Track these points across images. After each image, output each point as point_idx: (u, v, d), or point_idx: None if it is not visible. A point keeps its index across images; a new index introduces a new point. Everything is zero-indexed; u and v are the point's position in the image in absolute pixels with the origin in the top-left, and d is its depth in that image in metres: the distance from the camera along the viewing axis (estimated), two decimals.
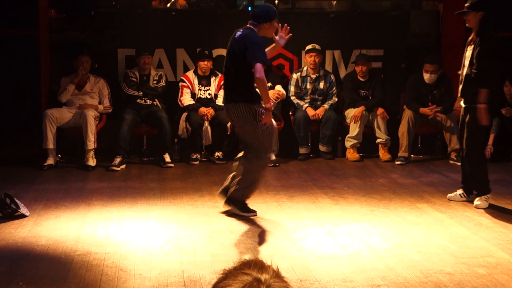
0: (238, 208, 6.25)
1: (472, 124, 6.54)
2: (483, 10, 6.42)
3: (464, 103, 6.66)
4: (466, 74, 6.55)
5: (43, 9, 8.71)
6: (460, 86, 6.67)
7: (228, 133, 8.76)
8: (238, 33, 6.15)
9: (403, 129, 8.80)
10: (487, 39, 6.41)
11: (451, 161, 8.77)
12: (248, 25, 6.16)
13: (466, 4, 6.52)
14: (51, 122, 8.26)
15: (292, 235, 5.76)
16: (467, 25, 6.61)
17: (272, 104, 6.26)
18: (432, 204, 6.78)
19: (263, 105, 6.05)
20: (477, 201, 6.61)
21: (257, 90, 6.09)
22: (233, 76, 6.14)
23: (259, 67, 5.94)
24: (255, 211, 6.30)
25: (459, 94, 6.73)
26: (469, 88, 6.54)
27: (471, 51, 6.51)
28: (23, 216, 6.20)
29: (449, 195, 6.93)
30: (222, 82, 8.94)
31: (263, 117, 6.04)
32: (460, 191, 6.87)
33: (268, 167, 6.36)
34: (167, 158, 8.53)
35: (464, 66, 6.62)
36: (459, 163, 8.56)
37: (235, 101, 6.10)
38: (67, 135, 8.57)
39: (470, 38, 6.61)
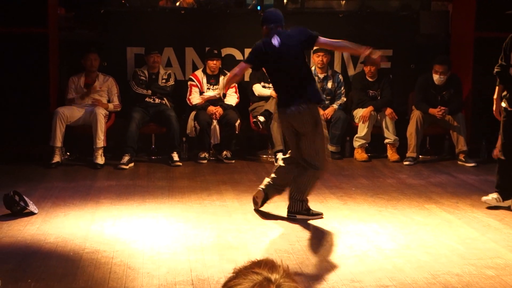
0: (304, 214, 6.20)
1: None
2: None
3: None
4: None
5: (52, 8, 8.72)
6: None
7: (237, 132, 8.77)
8: (287, 33, 6.14)
9: (411, 130, 8.79)
10: None
11: (459, 162, 8.75)
12: (280, 28, 6.16)
13: None
14: (61, 120, 8.28)
15: (300, 235, 5.76)
16: None
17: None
18: (440, 205, 6.76)
19: None
20: None
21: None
22: (302, 78, 6.09)
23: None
24: (321, 213, 6.27)
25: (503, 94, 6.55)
26: None
27: None
28: (32, 213, 6.21)
29: (484, 198, 6.71)
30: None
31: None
32: (495, 195, 6.67)
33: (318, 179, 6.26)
34: (175, 156, 8.54)
35: None
36: (467, 164, 8.60)
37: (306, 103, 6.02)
38: (76, 133, 8.58)
39: None
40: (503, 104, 6.54)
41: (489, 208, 6.60)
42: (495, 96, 6.73)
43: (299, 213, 6.19)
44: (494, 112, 6.80)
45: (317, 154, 6.08)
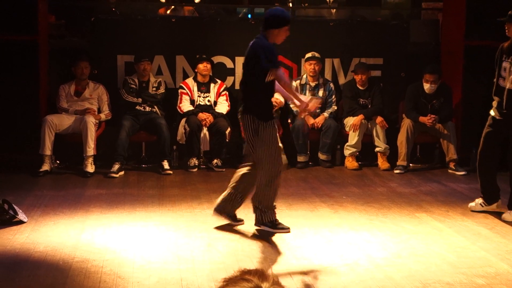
0: (269, 226, 6.04)
1: None
2: None
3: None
4: (508, 89, 6.42)
5: (43, 15, 8.70)
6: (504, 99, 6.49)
7: (227, 140, 8.75)
8: (251, 42, 5.91)
9: (402, 138, 8.80)
10: None
11: (449, 171, 8.78)
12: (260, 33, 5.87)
13: (510, 12, 6.46)
14: (50, 128, 8.25)
15: (290, 244, 5.75)
16: (507, 34, 6.49)
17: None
18: (430, 213, 6.77)
19: (297, 106, 6.03)
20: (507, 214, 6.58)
21: (270, 105, 5.94)
22: (245, 88, 5.96)
23: (274, 72, 5.67)
24: (288, 228, 6.05)
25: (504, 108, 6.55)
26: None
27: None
28: (21, 222, 6.17)
29: (470, 204, 6.90)
30: (222, 89, 8.98)
31: (301, 116, 6.00)
32: (480, 201, 6.84)
33: (277, 182, 6.00)
34: (165, 165, 8.51)
35: (505, 78, 6.45)
36: (458, 173, 8.63)
37: (244, 112, 5.90)
38: (66, 141, 8.55)
39: (508, 45, 6.48)
40: (492, 113, 6.59)
41: (472, 211, 6.82)
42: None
43: (264, 224, 6.05)
44: None
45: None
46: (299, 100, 5.98)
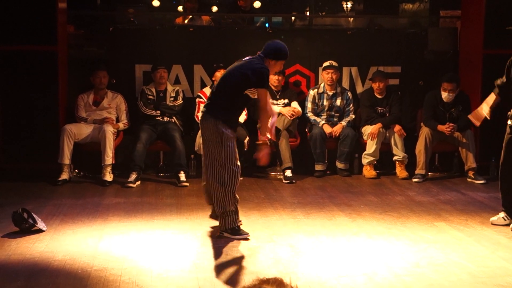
0: (230, 234, 6.11)
1: None
2: None
3: None
4: None
5: (62, 25, 8.77)
6: None
7: (245, 149, 8.75)
8: (246, 58, 6.21)
9: (420, 147, 8.77)
10: None
11: (468, 179, 8.72)
12: (257, 55, 6.23)
13: None
14: (69, 137, 8.30)
15: (308, 252, 5.73)
16: None
17: (271, 129, 6.20)
18: (449, 222, 6.73)
19: (262, 136, 6.20)
20: None
21: (237, 118, 6.15)
22: (225, 94, 6.14)
23: (263, 93, 6.04)
24: (247, 233, 6.12)
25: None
26: None
27: None
28: (40, 231, 6.21)
29: (492, 218, 6.75)
30: None
31: (259, 152, 6.17)
32: (502, 214, 6.69)
33: (234, 184, 6.09)
34: (182, 176, 8.47)
35: None
36: (477, 181, 8.58)
37: (214, 117, 6.07)
38: (85, 150, 8.60)
39: None
40: (509, 122, 6.57)
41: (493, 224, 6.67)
42: (486, 100, 6.81)
43: (225, 231, 6.14)
44: (476, 112, 6.98)
45: None
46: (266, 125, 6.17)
